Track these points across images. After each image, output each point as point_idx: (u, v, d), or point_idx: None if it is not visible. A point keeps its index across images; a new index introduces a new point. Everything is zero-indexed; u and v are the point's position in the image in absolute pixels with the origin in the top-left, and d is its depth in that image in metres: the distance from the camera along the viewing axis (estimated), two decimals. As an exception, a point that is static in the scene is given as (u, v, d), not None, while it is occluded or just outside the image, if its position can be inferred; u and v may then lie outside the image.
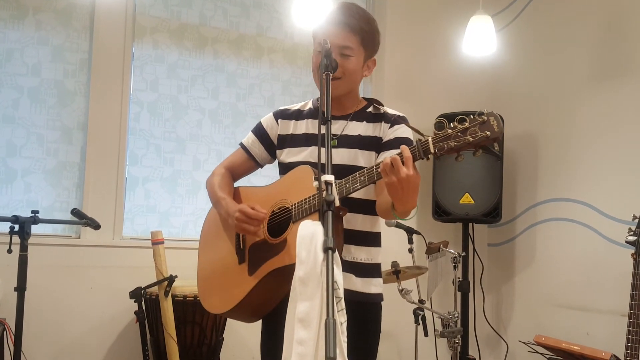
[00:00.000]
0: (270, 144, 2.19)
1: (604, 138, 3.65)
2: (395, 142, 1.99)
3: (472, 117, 1.60)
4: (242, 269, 2.04)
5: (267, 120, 2.21)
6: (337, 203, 1.65)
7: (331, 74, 1.81)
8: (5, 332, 2.95)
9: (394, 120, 2.05)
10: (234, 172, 2.25)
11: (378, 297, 2.08)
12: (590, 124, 3.74)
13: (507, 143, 4.06)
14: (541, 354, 3.02)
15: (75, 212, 3.10)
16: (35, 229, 2.80)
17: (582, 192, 3.77)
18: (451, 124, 1.62)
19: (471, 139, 1.58)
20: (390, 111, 2.09)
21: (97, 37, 3.58)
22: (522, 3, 4.33)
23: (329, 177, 1.60)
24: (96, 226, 3.06)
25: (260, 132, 2.20)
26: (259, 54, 4.05)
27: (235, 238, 2.09)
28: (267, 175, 2.41)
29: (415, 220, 4.20)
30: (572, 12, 3.93)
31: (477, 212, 3.91)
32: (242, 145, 2.24)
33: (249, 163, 2.24)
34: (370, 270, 2.06)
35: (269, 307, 2.06)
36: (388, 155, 1.78)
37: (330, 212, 1.56)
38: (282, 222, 1.99)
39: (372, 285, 2.05)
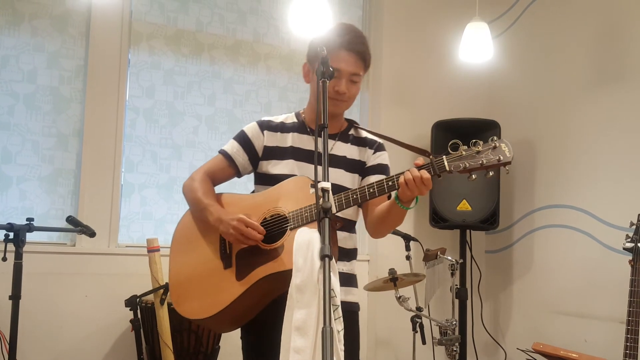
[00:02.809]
0: (254, 154, 2.17)
1: (601, 144, 3.65)
2: (379, 168, 2.17)
3: (482, 142, 1.77)
4: (229, 275, 2.00)
5: (252, 130, 2.19)
6: (334, 210, 1.65)
7: (327, 81, 1.82)
8: (-1, 340, 2.93)
9: (377, 147, 2.20)
10: (213, 178, 2.21)
11: (355, 306, 2.15)
12: (587, 130, 3.74)
13: (504, 149, 4.05)
14: (539, 361, 3.01)
15: (70, 219, 3.09)
16: (30, 236, 2.78)
17: (579, 198, 3.77)
18: (463, 146, 1.79)
19: (485, 161, 1.75)
20: (370, 136, 2.21)
21: (93, 43, 3.57)
22: (519, 10, 4.34)
23: (326, 185, 1.60)
24: (91, 234, 3.05)
25: (244, 141, 2.18)
26: (255, 60, 4.05)
27: (219, 243, 2.06)
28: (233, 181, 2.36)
29: (413, 227, 4.20)
30: (569, 18, 3.94)
31: (475, 218, 3.90)
32: (224, 153, 2.20)
33: (230, 171, 2.21)
34: (350, 279, 2.13)
35: (250, 316, 2.05)
36: (373, 179, 2.05)
37: (327, 220, 1.56)
38: (274, 229, 1.99)
39: (351, 294, 2.12)
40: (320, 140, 1.70)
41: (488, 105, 4.45)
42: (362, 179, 2.15)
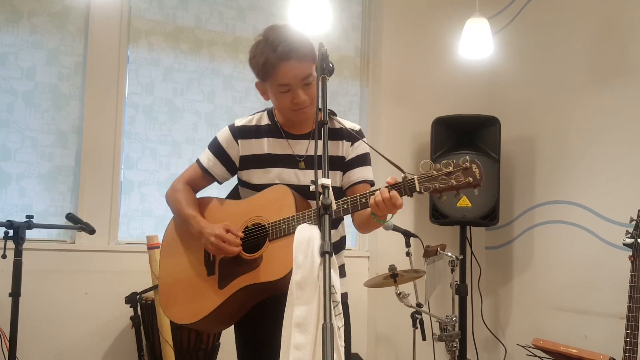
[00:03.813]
0: (231, 164, 2.16)
1: (601, 140, 3.65)
2: (358, 161, 2.12)
3: (454, 162, 1.73)
4: (212, 282, 2.03)
5: (225, 139, 2.15)
6: (334, 207, 1.65)
7: (327, 77, 1.81)
8: (-1, 337, 2.93)
9: (355, 138, 2.11)
10: (194, 187, 2.23)
11: (345, 296, 2.14)
12: (587, 126, 3.74)
13: (504, 146, 4.05)
14: (539, 357, 3.01)
15: (70, 216, 3.08)
16: (29, 234, 2.78)
17: (579, 194, 3.77)
18: (436, 165, 1.75)
19: (455, 182, 1.72)
20: (347, 124, 2.12)
21: (92, 40, 3.57)
22: (519, 6, 4.33)
23: (326, 181, 1.60)
24: (91, 231, 3.04)
25: (219, 152, 2.16)
26: (255, 57, 4.03)
27: (204, 249, 2.08)
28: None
29: (413, 224, 4.19)
30: (568, 14, 3.93)
31: (475, 215, 3.90)
32: (201, 165, 2.19)
33: (208, 180, 2.21)
34: (340, 272, 2.13)
35: (237, 317, 2.09)
36: (354, 174, 2.07)
37: (327, 216, 1.56)
38: (256, 238, 2.00)
39: (342, 286, 2.10)
40: (318, 140, 1.70)
41: (488, 101, 4.44)
42: (343, 175, 2.11)
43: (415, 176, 1.76)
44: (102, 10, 3.58)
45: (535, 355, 3.00)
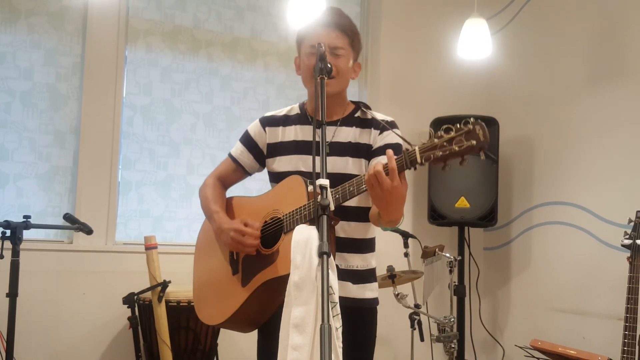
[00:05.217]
0: (260, 153, 2.18)
1: (600, 141, 3.65)
2: (385, 149, 1.97)
3: (457, 126, 1.58)
4: (236, 280, 2.04)
5: (254, 128, 2.20)
6: (332, 207, 1.65)
7: (326, 78, 1.82)
8: (-4, 338, 2.92)
9: (384, 127, 2.07)
10: (225, 181, 2.26)
11: (374, 302, 2.10)
12: (586, 126, 3.74)
13: (503, 147, 4.05)
14: (537, 358, 3.01)
15: (67, 217, 3.08)
16: (27, 234, 2.77)
17: (577, 195, 3.77)
18: (437, 133, 1.61)
19: (457, 148, 1.57)
20: (379, 116, 2.10)
21: (90, 40, 3.56)
22: (517, 6, 4.33)
23: (324, 182, 1.60)
24: (89, 231, 3.04)
25: (248, 142, 2.20)
26: (253, 57, 4.03)
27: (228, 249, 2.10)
28: (260, 179, 2.39)
29: (411, 224, 4.19)
30: (567, 15, 3.93)
31: (473, 215, 3.90)
32: (231, 156, 2.24)
33: (239, 173, 2.24)
34: (366, 275, 2.08)
35: (265, 317, 2.06)
36: (376, 160, 1.92)
37: (325, 217, 1.55)
38: (274, 232, 1.99)
39: (368, 291, 2.07)
40: (318, 136, 1.69)
41: (486, 102, 4.45)
42: (368, 163, 2.06)
43: (417, 147, 1.64)
44: (100, 10, 3.58)
45: (533, 357, 3.00)
